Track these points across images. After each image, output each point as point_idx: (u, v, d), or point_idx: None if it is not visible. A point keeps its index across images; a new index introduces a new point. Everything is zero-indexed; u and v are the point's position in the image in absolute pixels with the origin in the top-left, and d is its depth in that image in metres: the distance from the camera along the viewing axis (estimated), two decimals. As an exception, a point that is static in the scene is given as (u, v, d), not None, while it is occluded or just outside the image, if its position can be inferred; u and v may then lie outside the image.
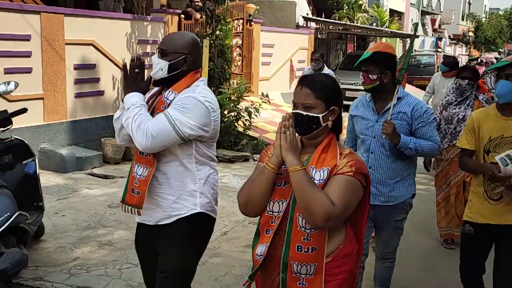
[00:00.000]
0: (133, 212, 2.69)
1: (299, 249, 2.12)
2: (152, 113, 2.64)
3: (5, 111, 4.51)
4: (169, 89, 2.67)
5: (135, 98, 2.61)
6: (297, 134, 2.21)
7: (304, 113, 2.19)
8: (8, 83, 4.68)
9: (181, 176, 2.67)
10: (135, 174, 2.67)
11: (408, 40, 24.33)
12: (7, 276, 3.50)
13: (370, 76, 3.38)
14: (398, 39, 23.76)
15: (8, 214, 3.76)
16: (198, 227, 2.72)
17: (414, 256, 5.03)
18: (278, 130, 2.17)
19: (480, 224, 3.26)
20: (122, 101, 2.67)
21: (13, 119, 4.55)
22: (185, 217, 2.67)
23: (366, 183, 2.19)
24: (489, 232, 3.25)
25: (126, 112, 2.61)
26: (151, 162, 2.63)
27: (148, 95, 2.77)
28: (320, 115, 2.19)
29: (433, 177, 7.92)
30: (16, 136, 4.71)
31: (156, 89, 2.81)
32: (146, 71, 2.72)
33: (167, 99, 2.65)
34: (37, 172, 4.75)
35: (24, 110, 4.70)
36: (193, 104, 2.56)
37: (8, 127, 4.53)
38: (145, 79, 2.70)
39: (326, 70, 7.91)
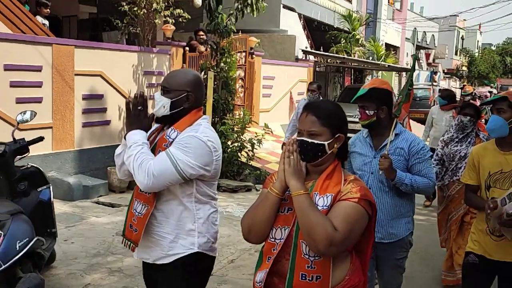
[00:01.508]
0: (130, 248, 2.69)
1: (303, 277, 2.07)
2: (154, 151, 2.62)
3: (23, 139, 4.64)
4: (171, 127, 2.66)
5: (137, 136, 2.59)
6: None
7: (310, 140, 2.17)
8: (24, 112, 4.82)
9: (180, 215, 2.63)
10: (134, 211, 2.65)
11: (404, 74, 24.79)
12: (25, 300, 3.60)
13: (367, 112, 3.40)
14: (394, 72, 24.17)
15: (27, 239, 3.87)
16: (196, 267, 2.68)
17: (418, 285, 5.12)
18: (282, 155, 2.17)
19: (482, 257, 3.24)
20: (124, 138, 2.66)
21: None
22: (182, 257, 2.63)
23: (372, 211, 2.15)
24: (491, 265, 3.22)
25: (128, 150, 2.58)
26: (150, 200, 2.61)
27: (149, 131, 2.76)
28: (326, 143, 2.17)
29: (433, 208, 8.08)
30: (32, 164, 4.84)
31: (157, 125, 2.80)
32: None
33: (169, 137, 2.62)
34: (51, 199, 4.86)
35: (41, 139, 4.84)
36: (195, 143, 2.54)
37: (25, 154, 4.67)
38: (148, 116, 2.68)
39: None
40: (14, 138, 4.57)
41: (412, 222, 3.53)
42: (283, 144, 8.31)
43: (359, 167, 3.49)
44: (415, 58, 4.30)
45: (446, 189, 5.10)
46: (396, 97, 3.65)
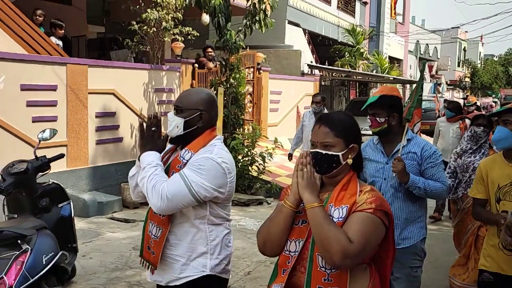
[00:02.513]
0: (150, 270, 2.67)
1: None
2: (167, 172, 2.59)
3: (44, 156, 4.76)
4: (185, 148, 2.62)
5: (151, 157, 2.56)
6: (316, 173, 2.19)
7: (324, 151, 2.15)
8: (44, 130, 4.95)
9: (193, 238, 2.60)
10: (150, 234, 2.63)
11: (408, 86, 24.89)
12: (52, 313, 3.69)
13: (377, 119, 3.42)
14: (398, 85, 24.32)
15: (53, 253, 3.98)
16: None
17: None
18: (295, 168, 2.16)
19: (497, 273, 3.20)
20: (138, 159, 2.63)
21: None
22: (194, 280, 2.59)
23: (388, 221, 2.11)
24: (507, 282, 3.18)
25: (141, 172, 2.55)
26: (164, 223, 2.58)
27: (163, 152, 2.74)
28: (340, 153, 2.15)
29: (444, 217, 8.12)
30: (53, 180, 4.95)
31: (171, 145, 2.77)
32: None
33: (183, 158, 2.59)
34: (72, 215, 4.96)
35: (61, 156, 4.97)
36: (210, 165, 2.50)
37: (47, 171, 4.78)
38: (162, 137, 2.66)
39: None
40: (36, 156, 4.70)
41: (425, 228, 3.55)
42: (289, 155, 8.43)
43: (372, 173, 3.51)
44: (424, 63, 4.40)
45: (461, 202, 5.03)
46: (405, 102, 3.71)
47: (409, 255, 3.44)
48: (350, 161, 2.19)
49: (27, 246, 3.72)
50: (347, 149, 2.17)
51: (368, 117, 3.48)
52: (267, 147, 9.44)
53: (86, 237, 6.59)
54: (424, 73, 4.40)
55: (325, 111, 8.04)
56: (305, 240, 2.12)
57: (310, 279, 2.05)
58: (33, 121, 7.07)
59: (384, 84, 22.28)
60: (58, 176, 7.37)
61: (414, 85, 4.27)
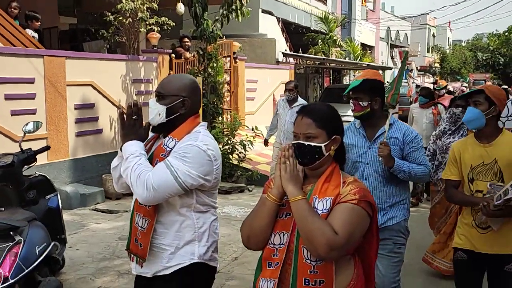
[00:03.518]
0: (137, 263, 2.59)
1: (307, 283, 2.03)
2: (151, 161, 2.51)
3: (30, 149, 4.75)
4: (169, 136, 2.54)
5: (134, 147, 2.47)
6: (299, 165, 2.17)
7: (306, 143, 2.15)
8: (27, 123, 4.93)
9: (180, 226, 2.54)
10: (137, 225, 2.55)
11: (380, 72, 25.20)
12: (48, 302, 3.73)
13: (360, 103, 3.42)
14: (371, 71, 24.63)
15: (45, 244, 4.00)
16: (197, 277, 2.59)
17: (418, 269, 5.36)
18: (278, 161, 2.15)
19: (470, 251, 3.28)
20: (120, 149, 2.54)
21: None
22: (182, 268, 2.54)
23: (372, 212, 2.11)
24: (479, 259, 3.27)
25: (125, 162, 2.47)
26: (150, 214, 2.51)
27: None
28: (322, 145, 2.15)
29: (424, 200, 8.33)
30: (39, 173, 4.95)
31: (153, 134, 2.69)
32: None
33: (167, 146, 2.52)
34: (60, 206, 4.98)
35: (47, 148, 4.98)
36: (195, 152, 2.44)
37: (33, 164, 4.78)
38: (143, 126, 2.57)
39: (300, 101, 7.98)
40: (21, 148, 4.68)
41: (408, 210, 3.59)
42: (265, 140, 8.51)
43: (354, 158, 3.51)
44: (406, 53, 4.45)
45: (441, 183, 5.15)
46: (386, 89, 3.75)
47: (393, 232, 3.47)
48: (332, 152, 2.19)
49: (20, 238, 3.73)
50: (330, 140, 2.17)
51: (351, 101, 3.49)
52: (246, 135, 9.54)
53: (71, 228, 6.59)
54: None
55: (299, 98, 8.05)
56: (290, 233, 2.11)
57: (296, 272, 2.05)
58: (12, 114, 7.00)
59: (357, 72, 22.58)
60: (39, 169, 7.29)
61: (395, 72, 4.35)
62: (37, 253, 3.86)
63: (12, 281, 3.48)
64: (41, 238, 4.01)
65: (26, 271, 3.64)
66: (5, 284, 3.43)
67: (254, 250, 2.22)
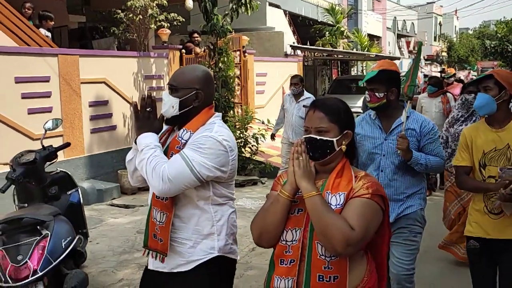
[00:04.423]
0: (157, 258, 2.53)
1: (321, 279, 2.02)
2: (166, 153, 2.47)
3: (51, 146, 4.86)
4: (183, 128, 2.51)
5: (148, 139, 2.44)
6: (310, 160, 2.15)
7: (318, 137, 2.13)
8: (47, 121, 5.04)
9: (198, 220, 2.50)
10: (155, 220, 2.51)
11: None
12: (75, 294, 3.85)
13: (376, 94, 3.38)
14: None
15: (70, 237, 4.12)
16: (218, 271, 2.55)
17: (433, 257, 5.43)
18: (291, 156, 2.12)
19: (482, 239, 3.25)
20: (135, 142, 2.50)
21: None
22: (202, 263, 2.50)
23: (384, 205, 2.11)
24: (492, 246, 3.23)
25: (139, 154, 2.43)
26: (168, 207, 2.47)
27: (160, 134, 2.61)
28: (334, 139, 2.13)
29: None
30: (61, 169, 5.07)
31: (167, 126, 2.65)
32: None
33: (182, 138, 2.49)
34: (81, 201, 5.10)
35: (67, 144, 5.10)
36: (211, 144, 2.40)
37: (54, 160, 4.90)
38: (158, 118, 2.53)
39: (306, 94, 7.95)
40: (43, 146, 4.80)
41: (424, 199, 3.58)
42: (272, 135, 8.50)
43: (370, 149, 3.48)
44: (420, 44, 4.40)
45: (453, 170, 5.19)
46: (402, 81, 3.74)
47: (410, 220, 3.47)
48: (344, 147, 2.17)
49: (47, 232, 3.84)
50: (341, 135, 2.16)
51: (367, 92, 3.46)
52: (259, 129, 9.63)
53: (90, 223, 6.67)
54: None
55: (305, 92, 8.02)
56: (302, 229, 2.09)
57: (310, 268, 2.04)
58: (28, 113, 7.14)
59: (365, 63, 22.57)
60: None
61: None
62: (63, 246, 3.97)
63: (41, 273, 3.59)
64: (67, 231, 4.12)
65: (54, 263, 3.76)
66: (34, 277, 3.55)
67: (265, 247, 2.19)
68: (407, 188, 3.46)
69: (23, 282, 3.50)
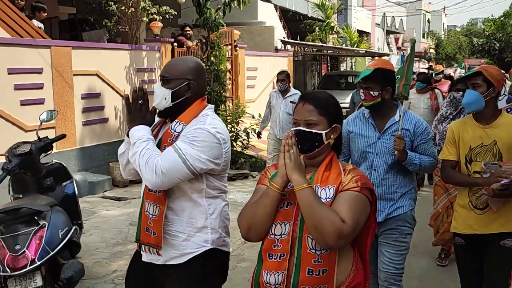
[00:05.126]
0: (151, 252, 2.53)
1: (310, 273, 2.02)
2: (159, 146, 2.47)
3: (46, 137, 4.89)
4: (176, 120, 2.50)
5: (141, 132, 2.43)
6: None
7: (307, 129, 2.14)
8: (42, 113, 5.06)
9: (191, 212, 2.51)
10: (147, 213, 2.50)
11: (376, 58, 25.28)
12: (72, 283, 3.90)
13: (371, 92, 3.35)
14: (367, 58, 24.76)
15: (67, 228, 4.16)
16: (211, 264, 2.57)
17: (422, 251, 5.54)
18: (282, 149, 2.11)
19: (468, 235, 3.29)
20: (127, 135, 2.50)
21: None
22: (196, 256, 2.52)
23: (372, 198, 2.12)
24: (477, 241, 3.28)
25: (132, 147, 2.43)
26: (161, 200, 2.46)
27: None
28: (323, 132, 2.14)
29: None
30: (56, 160, 5.10)
31: (159, 119, 2.64)
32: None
33: (175, 131, 2.48)
34: (76, 193, 5.13)
35: (63, 136, 5.11)
36: (204, 136, 2.40)
37: (49, 152, 4.92)
38: (150, 110, 2.53)
39: (293, 91, 7.92)
40: (38, 137, 4.82)
41: (414, 200, 3.56)
42: (258, 133, 8.50)
43: (363, 148, 3.47)
44: (414, 41, 4.44)
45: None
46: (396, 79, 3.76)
47: (400, 222, 3.46)
48: (332, 141, 2.18)
49: (44, 222, 3.87)
50: (330, 128, 2.17)
51: (361, 90, 3.45)
52: (250, 124, 9.68)
53: (83, 215, 6.62)
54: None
55: (292, 89, 8.00)
56: (292, 222, 2.09)
57: (299, 262, 2.03)
58: (21, 104, 7.12)
59: (354, 58, 22.71)
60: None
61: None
62: (60, 236, 4.01)
63: (39, 263, 3.63)
64: (63, 222, 4.16)
65: (51, 253, 3.80)
66: (32, 266, 3.59)
67: (254, 241, 2.19)
68: (398, 188, 3.46)
69: (21, 271, 3.54)
